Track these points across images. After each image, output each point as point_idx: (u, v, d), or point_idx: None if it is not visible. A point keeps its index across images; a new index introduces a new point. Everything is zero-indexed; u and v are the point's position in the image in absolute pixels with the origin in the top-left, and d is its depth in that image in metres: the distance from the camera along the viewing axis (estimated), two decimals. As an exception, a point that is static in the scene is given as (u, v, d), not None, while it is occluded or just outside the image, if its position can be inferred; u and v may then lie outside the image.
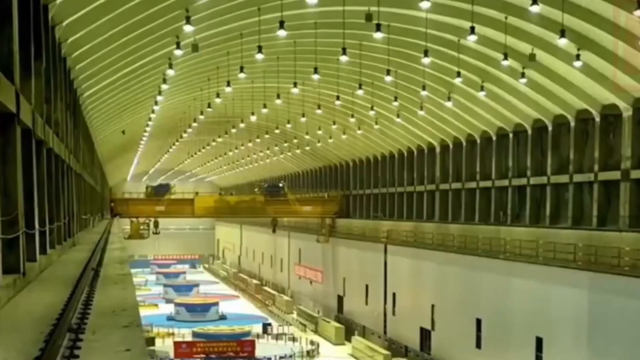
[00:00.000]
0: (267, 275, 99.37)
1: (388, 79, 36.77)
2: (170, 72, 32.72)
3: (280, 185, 72.85)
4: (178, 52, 28.39)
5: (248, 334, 62.21)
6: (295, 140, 66.98)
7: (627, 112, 33.74)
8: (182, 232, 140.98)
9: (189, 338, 62.52)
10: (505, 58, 31.53)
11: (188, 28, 24.72)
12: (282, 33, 26.21)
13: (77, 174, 26.77)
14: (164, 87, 36.51)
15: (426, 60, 32.71)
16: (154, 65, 32.90)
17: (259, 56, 29.91)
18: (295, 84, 38.97)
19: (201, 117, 50.27)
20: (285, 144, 70.39)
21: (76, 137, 26.16)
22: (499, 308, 40.93)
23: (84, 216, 31.61)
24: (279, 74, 41.55)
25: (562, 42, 28.60)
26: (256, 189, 72.85)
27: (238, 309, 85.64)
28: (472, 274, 43.80)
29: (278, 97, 42.69)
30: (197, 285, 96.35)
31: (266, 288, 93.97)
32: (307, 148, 69.99)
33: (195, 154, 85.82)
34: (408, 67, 39.73)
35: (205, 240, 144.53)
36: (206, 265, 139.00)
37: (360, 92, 40.57)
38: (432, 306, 48.94)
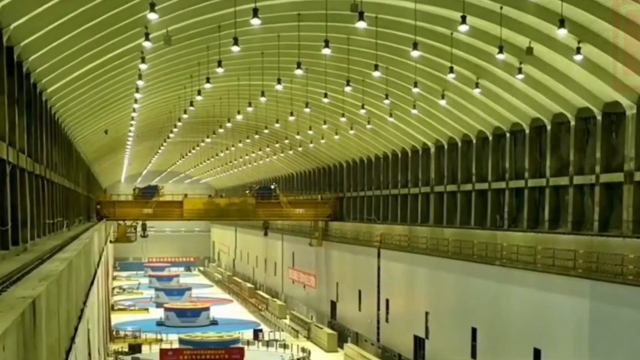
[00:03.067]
0: (261, 279, 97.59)
1: (376, 74, 34.66)
2: (144, 67, 30.62)
3: (272, 187, 70.78)
4: (147, 44, 26.27)
5: (237, 340, 60.14)
6: (286, 141, 64.92)
7: (630, 110, 31.63)
8: (177, 235, 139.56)
9: (177, 344, 60.59)
10: (501, 51, 29.40)
11: (152, 16, 22.61)
12: (255, 22, 24.11)
13: (36, 175, 24.71)
14: (140, 83, 34.36)
15: (416, 54, 30.58)
16: (126, 60, 30.79)
17: (235, 48, 27.77)
18: (279, 81, 36.80)
19: (185, 116, 48.21)
20: (277, 145, 68.33)
21: (33, 135, 24.06)
22: (495, 317, 38.91)
23: (50, 220, 29.53)
24: (263, 70, 39.50)
25: (562, 33, 26.50)
26: (247, 191, 70.89)
27: (231, 313, 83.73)
28: (468, 280, 41.80)
29: (262, 94, 40.58)
30: (189, 288, 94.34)
31: (260, 292, 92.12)
32: (300, 149, 67.98)
33: (186, 155, 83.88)
34: (398, 63, 37.72)
35: (201, 242, 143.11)
36: (201, 268, 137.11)
37: (348, 89, 38.41)
38: (426, 313, 46.92)
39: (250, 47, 37.74)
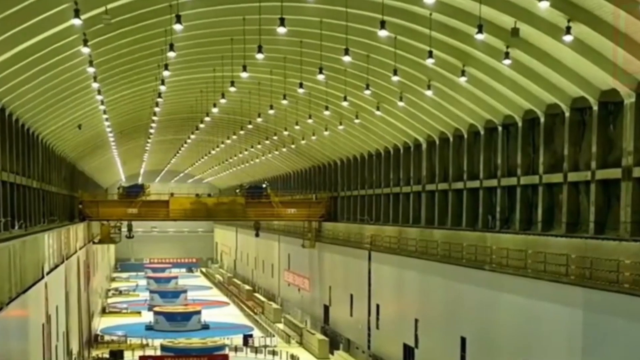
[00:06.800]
0: (259, 281, 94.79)
1: (347, 59, 31.54)
2: (86, 50, 27.61)
3: (263, 186, 67.80)
4: (77, 22, 23.32)
5: (222, 347, 57.18)
6: (275, 137, 61.93)
7: (629, 98, 28.40)
8: (180, 235, 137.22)
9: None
10: (480, 31, 26.28)
11: (68, -15, 19.70)
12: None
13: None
14: (91, 70, 31.33)
15: (384, 34, 27.55)
16: (67, 43, 27.85)
17: (178, 27, 24.82)
18: (244, 68, 33.72)
19: (157, 109, 45.27)
20: (267, 141, 65.33)
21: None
22: (484, 326, 35.83)
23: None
24: (233, 60, 36.46)
25: (544, 6, 23.37)
26: (237, 190, 67.98)
27: (225, 317, 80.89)
28: (456, 286, 38.73)
29: (232, 84, 37.58)
30: (184, 291, 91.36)
31: (257, 295, 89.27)
32: (293, 146, 64.99)
33: (177, 153, 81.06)
34: (377, 49, 34.66)
35: (204, 243, 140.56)
36: (203, 270, 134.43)
37: (320, 77, 35.28)
38: (416, 321, 43.82)
39: (217, 32, 34.88)
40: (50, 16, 24.23)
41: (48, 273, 32.74)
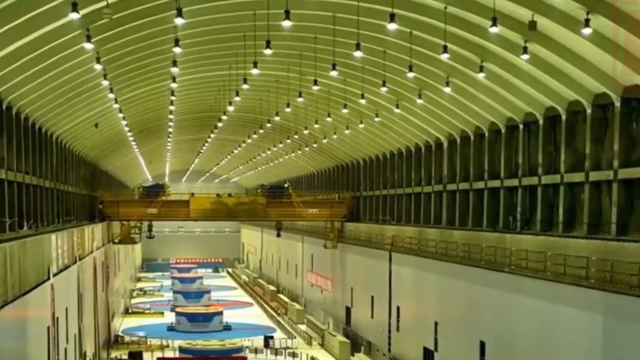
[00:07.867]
0: (283, 282, 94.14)
1: (358, 54, 30.64)
2: (89, 46, 26.91)
3: (285, 186, 66.98)
4: (75, 16, 22.60)
5: (241, 349, 56.39)
6: (296, 136, 61.14)
7: (652, 94, 27.27)
8: (207, 235, 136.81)
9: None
10: (494, 24, 25.27)
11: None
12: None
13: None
14: (98, 67, 30.66)
15: (393, 27, 26.58)
16: (70, 38, 27.17)
17: (179, 21, 24.06)
18: (255, 65, 32.90)
19: (172, 107, 44.58)
20: (288, 140, 64.57)
21: None
22: (504, 330, 34.73)
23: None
24: (245, 57, 35.66)
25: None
26: (258, 190, 67.28)
27: (248, 318, 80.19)
28: (476, 288, 37.66)
29: (245, 82, 36.77)
30: (208, 291, 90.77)
31: (281, 295, 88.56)
32: (315, 145, 64.13)
33: (200, 152, 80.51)
34: (393, 45, 33.70)
35: (231, 243, 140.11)
36: (229, 270, 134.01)
37: (334, 73, 34.29)
38: (436, 324, 42.82)
39: (229, 28, 34.11)
40: (49, 10, 23.60)
41: (55, 274, 32.08)
